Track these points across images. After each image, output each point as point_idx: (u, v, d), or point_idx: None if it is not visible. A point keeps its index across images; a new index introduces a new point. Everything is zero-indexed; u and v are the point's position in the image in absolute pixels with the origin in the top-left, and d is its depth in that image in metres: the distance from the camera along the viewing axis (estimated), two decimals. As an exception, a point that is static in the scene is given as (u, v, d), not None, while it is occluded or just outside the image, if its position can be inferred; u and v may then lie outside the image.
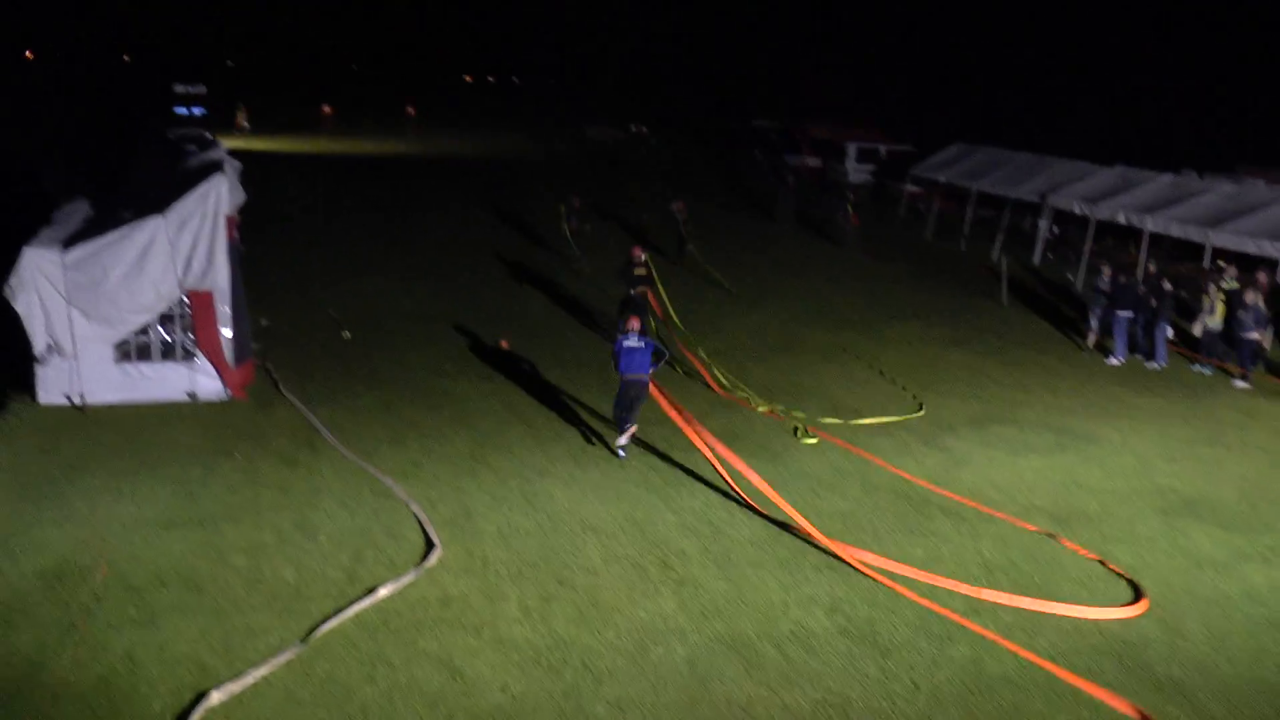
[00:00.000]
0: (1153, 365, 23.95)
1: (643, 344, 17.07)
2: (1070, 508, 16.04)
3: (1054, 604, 12.98)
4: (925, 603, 12.83)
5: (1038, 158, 38.17)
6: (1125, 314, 24.28)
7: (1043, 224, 35.64)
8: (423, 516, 14.54)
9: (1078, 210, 33.39)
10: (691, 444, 16.91)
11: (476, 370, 21.23)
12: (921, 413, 19.92)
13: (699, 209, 44.23)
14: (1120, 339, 24.31)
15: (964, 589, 13.20)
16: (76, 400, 17.77)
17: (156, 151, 25.28)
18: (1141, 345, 24.55)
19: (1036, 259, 35.38)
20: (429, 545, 13.74)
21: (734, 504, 15.48)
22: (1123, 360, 24.16)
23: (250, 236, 22.19)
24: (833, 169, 52.05)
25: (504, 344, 22.63)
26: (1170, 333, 24.17)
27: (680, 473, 16.54)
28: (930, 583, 13.32)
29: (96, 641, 11.37)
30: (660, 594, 12.91)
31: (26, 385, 17.91)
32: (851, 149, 51.24)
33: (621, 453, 17.09)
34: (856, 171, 50.67)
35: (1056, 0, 78.95)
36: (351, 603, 12.28)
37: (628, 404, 17.03)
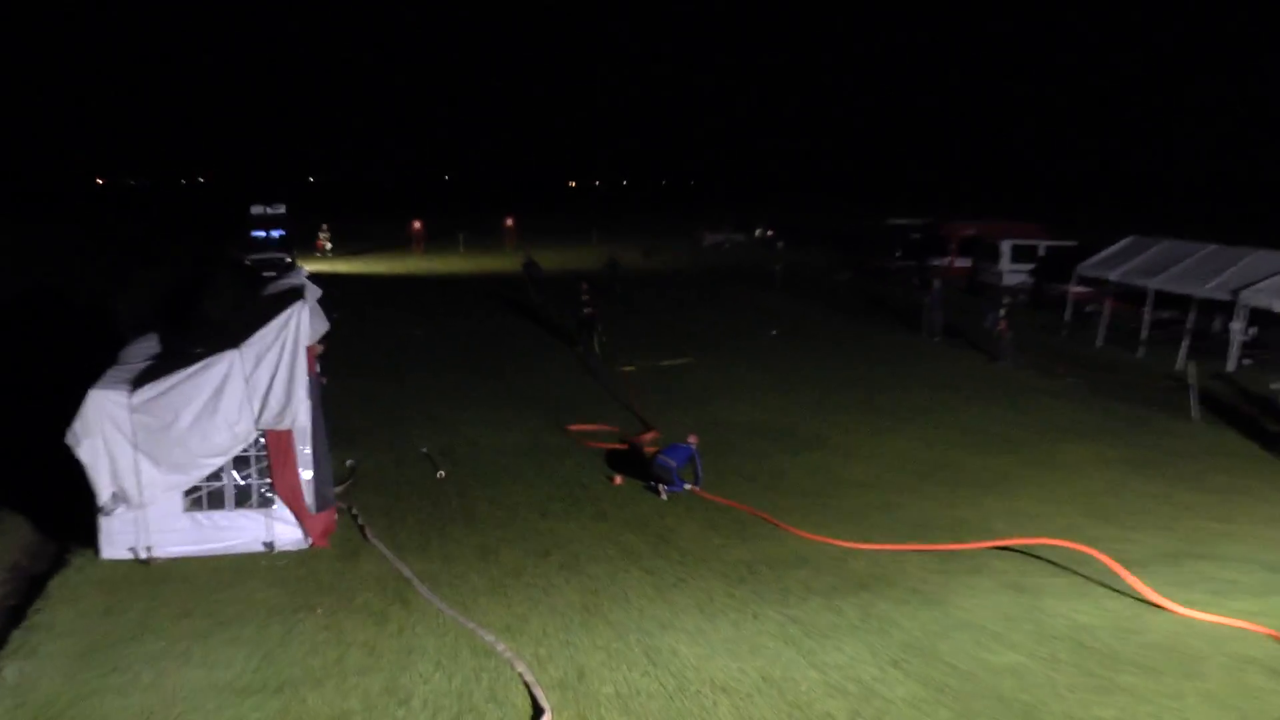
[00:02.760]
0: (1381, 487, 22.96)
1: (687, 448, 22.25)
2: (1291, 658, 15.27)
3: None
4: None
5: (1227, 249, 37.32)
6: (1343, 427, 23.38)
7: (1235, 325, 34.75)
8: (529, 677, 14.39)
9: (1278, 308, 32.50)
10: (835, 588, 16.74)
11: (587, 509, 21.19)
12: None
13: (828, 318, 44.29)
14: (1339, 457, 23.37)
15: None
16: (143, 554, 18.11)
17: (232, 279, 26.09)
18: (1365, 463, 23.58)
19: (1231, 366, 34.44)
20: (537, 710, 13.57)
21: (885, 658, 15.06)
22: (1343, 482, 23.21)
23: (334, 368, 22.67)
24: (985, 270, 51.68)
25: (617, 480, 22.70)
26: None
27: (822, 622, 16.18)
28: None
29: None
30: (804, 766, 12.53)
31: (89, 539, 18.33)
32: (1005, 247, 50.85)
33: (664, 494, 21.89)
34: (1012, 272, 50.21)
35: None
36: (448, 780, 12.12)
37: (657, 475, 22.05)
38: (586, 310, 37.37)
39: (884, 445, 26.09)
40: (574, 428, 27.35)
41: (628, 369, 34.70)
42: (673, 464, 21.92)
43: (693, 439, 22.74)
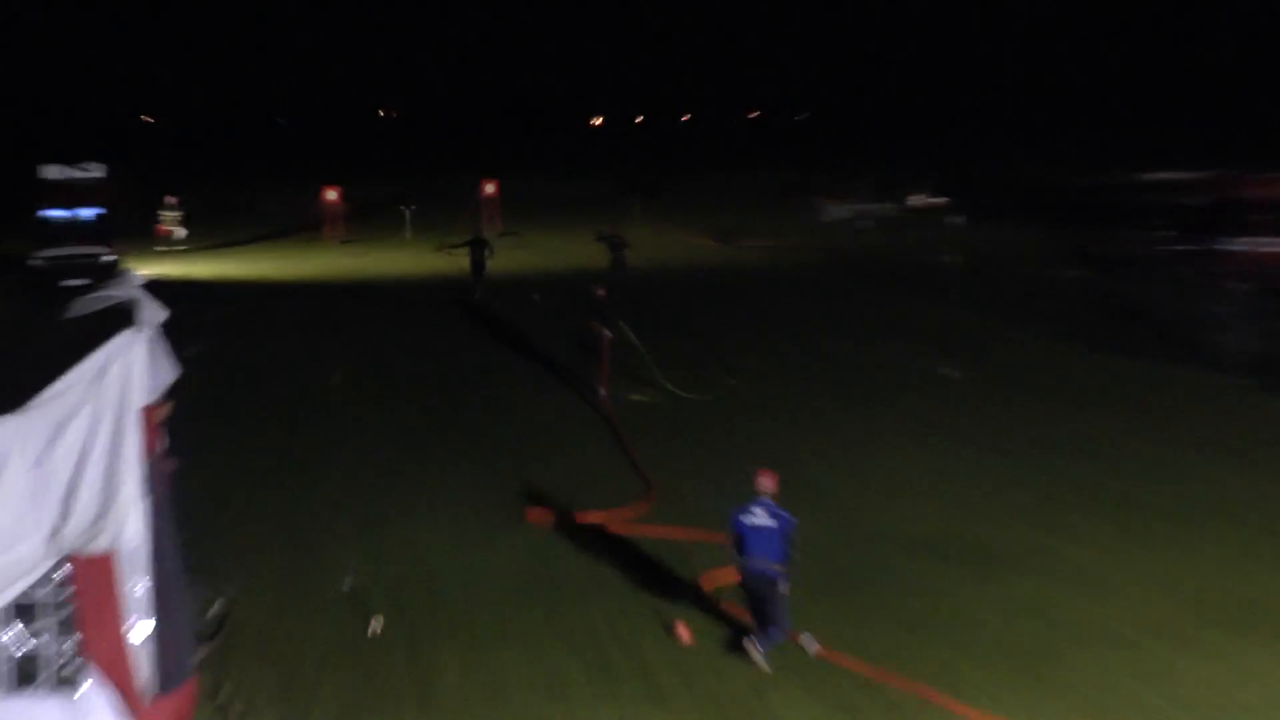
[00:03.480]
0: None
1: (774, 521, 21.17)
2: None
3: None
4: None
5: None
6: None
7: None
8: None
9: None
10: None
11: (631, 686, 21.00)
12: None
13: (1043, 344, 44.11)
14: None
15: None
16: None
17: (10, 292, 26.03)
18: None
19: None
20: None
21: None
22: None
23: (188, 444, 22.46)
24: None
25: (682, 633, 22.38)
26: None
27: None
28: None
29: None
30: None
31: None
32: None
33: (760, 658, 20.94)
34: None
35: None
36: None
37: (754, 603, 21.32)
38: (601, 331, 39.53)
39: (1147, 566, 25.75)
40: (536, 512, 28.51)
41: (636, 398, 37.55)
42: (777, 568, 21.31)
43: (766, 480, 21.97)
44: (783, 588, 21.17)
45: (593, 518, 28.15)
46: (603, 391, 38.44)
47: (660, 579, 24.91)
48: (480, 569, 25.83)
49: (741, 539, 21.37)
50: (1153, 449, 33.26)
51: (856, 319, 50.59)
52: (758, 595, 21.31)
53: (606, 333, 39.49)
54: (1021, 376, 41.22)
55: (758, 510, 21.42)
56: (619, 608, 23.89)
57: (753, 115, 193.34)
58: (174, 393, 20.43)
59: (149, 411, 18.98)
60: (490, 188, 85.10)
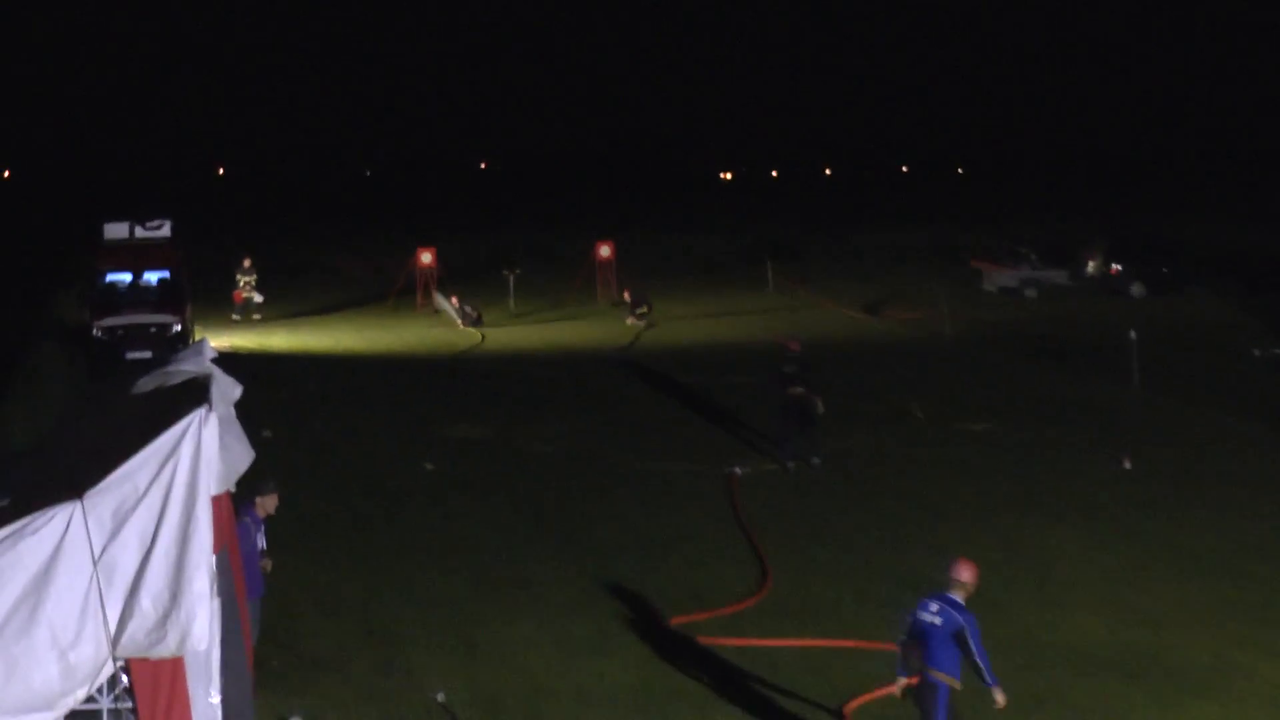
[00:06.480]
0: None
1: (940, 619, 19.60)
2: None
3: None
4: None
5: None
6: None
7: None
8: None
9: None
10: None
11: None
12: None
13: (1239, 431, 43.72)
14: None
15: None
16: None
17: (68, 367, 26.16)
18: None
19: None
20: None
21: None
22: None
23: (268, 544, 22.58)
24: None
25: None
26: None
27: None
28: None
29: None
30: None
31: None
32: None
33: None
34: None
35: None
36: None
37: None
38: (795, 389, 39.94)
39: None
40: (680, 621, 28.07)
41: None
42: (941, 677, 19.81)
43: (961, 571, 20.51)
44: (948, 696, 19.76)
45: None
46: (738, 470, 38.71)
47: (794, 692, 24.70)
48: (591, 683, 25.64)
49: (914, 638, 20.04)
50: None
51: (1018, 400, 50.24)
52: (921, 707, 19.96)
53: (820, 404, 40.04)
54: (1210, 466, 40.75)
55: (933, 605, 20.02)
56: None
57: (903, 167, 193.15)
58: (250, 478, 20.53)
59: (221, 500, 19.07)
60: (606, 250, 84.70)
